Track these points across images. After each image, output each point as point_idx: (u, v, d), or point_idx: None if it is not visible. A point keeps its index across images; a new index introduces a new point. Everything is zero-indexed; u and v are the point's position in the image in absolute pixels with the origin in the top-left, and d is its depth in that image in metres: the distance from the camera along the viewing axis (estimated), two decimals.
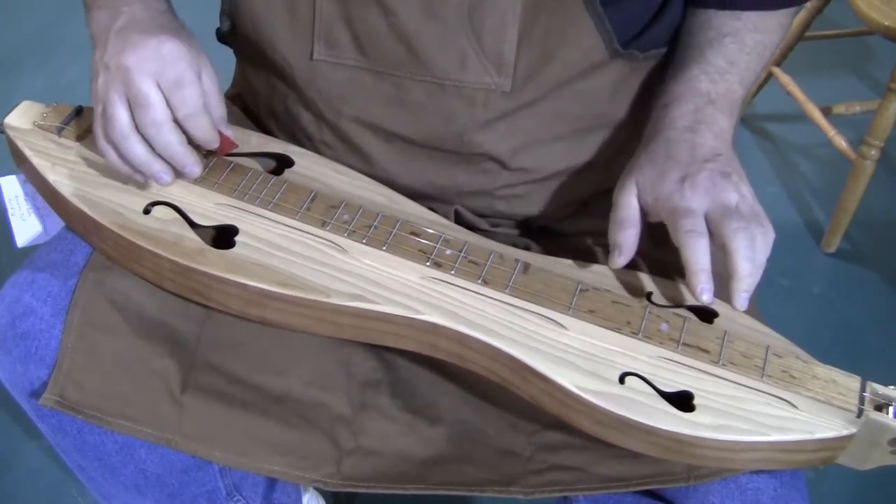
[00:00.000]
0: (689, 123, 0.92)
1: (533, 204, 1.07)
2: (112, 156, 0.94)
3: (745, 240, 0.82)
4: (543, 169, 1.04)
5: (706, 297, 0.83)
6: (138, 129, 0.91)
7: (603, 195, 1.07)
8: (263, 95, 1.09)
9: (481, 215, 1.06)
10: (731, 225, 0.82)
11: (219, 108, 0.96)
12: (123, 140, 0.92)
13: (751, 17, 0.99)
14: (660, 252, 0.93)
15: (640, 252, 0.91)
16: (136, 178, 0.96)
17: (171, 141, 0.92)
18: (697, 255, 0.82)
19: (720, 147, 0.90)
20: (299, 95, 1.04)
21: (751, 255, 0.82)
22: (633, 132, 1.04)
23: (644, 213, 0.90)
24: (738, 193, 0.86)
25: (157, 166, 0.93)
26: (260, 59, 1.05)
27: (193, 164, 0.94)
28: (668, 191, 0.86)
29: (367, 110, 1.01)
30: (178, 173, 0.95)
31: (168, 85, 0.90)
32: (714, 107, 0.93)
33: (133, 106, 0.90)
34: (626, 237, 0.89)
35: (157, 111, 0.90)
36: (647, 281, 0.92)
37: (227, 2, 1.04)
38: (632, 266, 0.91)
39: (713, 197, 0.85)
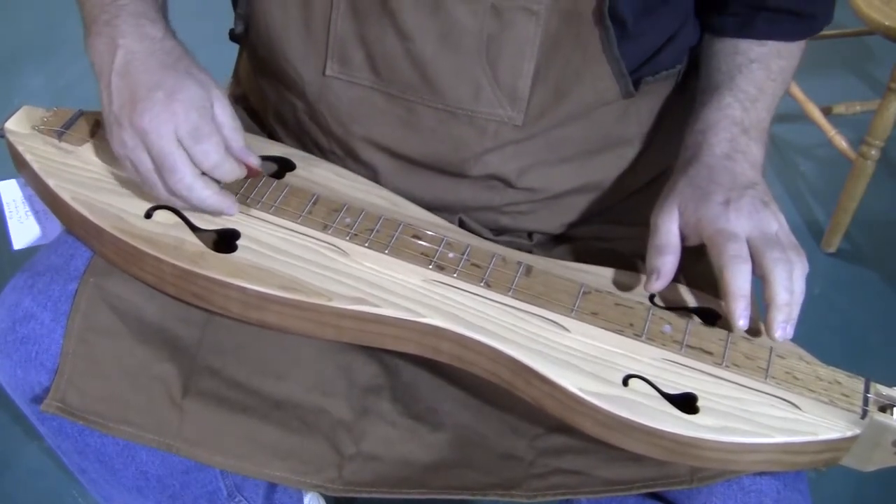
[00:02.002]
0: (727, 151, 0.92)
1: (538, 220, 1.07)
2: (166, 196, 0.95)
3: (784, 270, 0.83)
4: (550, 189, 1.04)
5: (743, 322, 0.84)
6: (168, 190, 0.92)
7: (609, 209, 1.07)
8: (272, 101, 1.09)
9: (485, 227, 1.06)
10: (772, 254, 0.83)
11: (237, 138, 0.94)
12: (168, 200, 0.93)
13: (775, 44, 1.00)
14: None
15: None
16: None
17: (205, 196, 0.92)
18: (739, 280, 0.83)
19: (756, 177, 0.91)
20: (309, 109, 1.03)
21: (789, 286, 0.83)
22: (641, 150, 1.04)
23: (683, 238, 0.90)
24: (777, 222, 0.87)
25: (205, 210, 0.94)
26: (271, 67, 1.04)
27: (230, 207, 0.94)
28: (713, 213, 0.87)
29: (377, 130, 1.01)
30: None
31: (188, 140, 0.89)
32: (748, 136, 0.94)
33: (159, 169, 0.90)
34: (665, 263, 0.88)
35: (184, 174, 0.90)
36: None
37: (243, 6, 1.03)
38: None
39: (756, 223, 0.86)
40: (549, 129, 0.99)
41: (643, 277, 0.93)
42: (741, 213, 0.86)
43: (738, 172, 0.90)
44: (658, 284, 0.88)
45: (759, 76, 0.98)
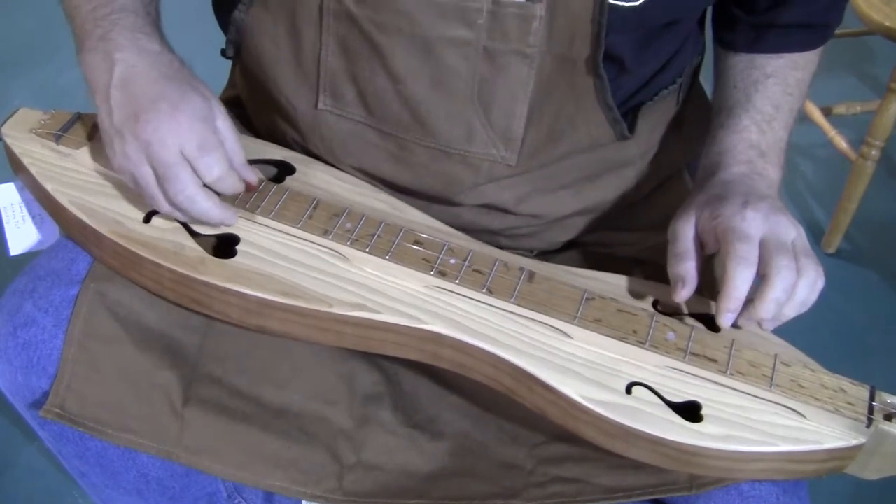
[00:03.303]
0: (746, 171, 0.92)
1: (538, 241, 1.07)
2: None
3: (785, 280, 0.81)
4: (550, 214, 1.03)
5: (727, 320, 0.82)
6: (170, 202, 0.91)
7: (611, 221, 1.06)
8: (266, 125, 1.09)
9: None
10: (780, 261, 0.82)
11: (238, 152, 0.94)
12: (169, 212, 0.92)
13: (791, 55, 0.99)
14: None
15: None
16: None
17: (206, 208, 0.91)
18: (739, 281, 0.82)
19: (772, 195, 0.91)
20: (301, 137, 1.03)
21: (781, 299, 0.81)
22: (642, 171, 1.04)
23: (700, 244, 0.89)
24: (795, 230, 0.86)
25: (206, 222, 0.93)
26: (263, 94, 1.04)
27: (230, 218, 0.93)
28: (731, 211, 0.86)
29: (369, 163, 1.01)
30: None
31: (192, 153, 0.88)
32: (765, 160, 0.94)
33: (161, 180, 0.89)
34: (688, 269, 0.87)
35: (188, 185, 0.89)
36: (653, 289, 0.92)
37: (233, 33, 1.02)
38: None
39: (772, 225, 0.85)
40: (545, 166, 0.98)
41: (646, 283, 0.92)
42: (758, 213, 0.85)
43: (756, 186, 0.90)
44: (685, 292, 0.87)
45: (775, 92, 0.97)
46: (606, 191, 1.02)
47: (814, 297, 0.84)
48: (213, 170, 0.89)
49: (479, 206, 1.01)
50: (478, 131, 0.94)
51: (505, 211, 1.01)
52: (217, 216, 0.92)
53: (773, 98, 0.97)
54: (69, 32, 0.98)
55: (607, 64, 0.90)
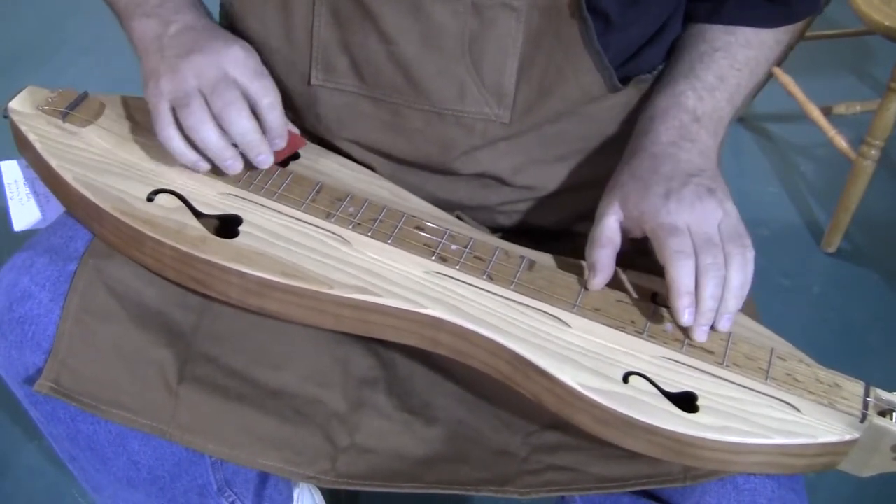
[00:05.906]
0: (674, 139, 0.92)
1: (535, 217, 1.07)
2: (177, 143, 0.94)
3: (714, 278, 0.83)
4: (546, 187, 1.04)
5: (687, 318, 0.84)
6: (215, 114, 0.92)
7: None
8: None
9: (482, 224, 1.06)
10: (704, 260, 0.83)
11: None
12: (200, 125, 0.92)
13: (744, 32, 0.98)
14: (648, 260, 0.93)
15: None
16: (199, 166, 0.96)
17: (249, 128, 0.92)
18: (683, 276, 0.83)
19: (705, 164, 0.90)
20: (297, 117, 1.05)
21: (717, 295, 0.83)
22: None
23: (626, 231, 0.89)
24: (722, 210, 0.86)
25: (230, 153, 0.94)
26: None
27: (267, 154, 0.95)
28: (654, 206, 0.86)
29: (365, 135, 1.01)
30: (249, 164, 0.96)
31: (247, 76, 0.92)
32: (699, 124, 0.93)
33: (209, 95, 0.91)
34: (602, 256, 0.88)
35: (237, 95, 0.92)
36: (652, 281, 0.92)
37: (224, 17, 1.04)
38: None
39: (698, 214, 0.85)
40: (540, 126, 0.98)
41: (645, 275, 0.93)
42: (682, 204, 0.85)
43: (683, 160, 0.90)
44: (598, 280, 0.89)
45: (721, 65, 0.97)
46: (604, 168, 1.02)
47: (748, 277, 0.85)
48: (270, 92, 0.94)
49: (477, 177, 1.01)
50: (470, 89, 0.94)
51: (501, 181, 1.01)
52: (257, 140, 0.94)
53: (717, 70, 0.96)
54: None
55: (594, 16, 0.90)
